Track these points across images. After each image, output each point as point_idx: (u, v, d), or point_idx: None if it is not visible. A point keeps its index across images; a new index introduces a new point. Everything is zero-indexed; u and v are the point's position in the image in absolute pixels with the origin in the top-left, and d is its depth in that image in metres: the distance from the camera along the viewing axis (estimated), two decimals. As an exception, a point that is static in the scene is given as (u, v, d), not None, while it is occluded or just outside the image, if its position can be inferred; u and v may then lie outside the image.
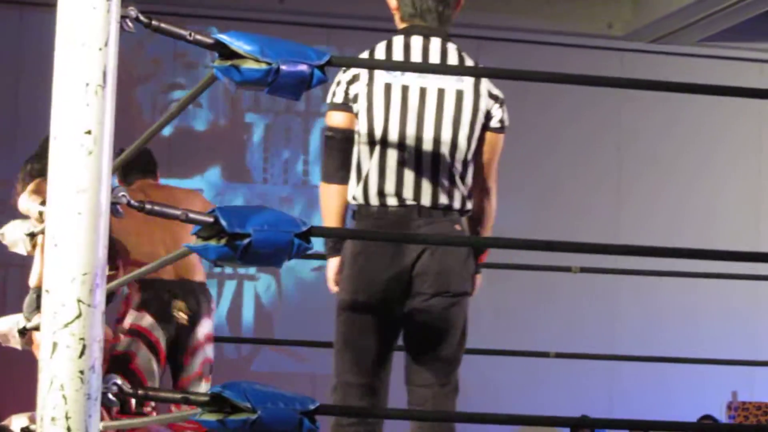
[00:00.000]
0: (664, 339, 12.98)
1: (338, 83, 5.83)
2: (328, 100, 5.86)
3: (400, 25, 5.97)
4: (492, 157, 5.96)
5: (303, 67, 4.37)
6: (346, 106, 5.80)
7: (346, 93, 5.80)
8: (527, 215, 13.58)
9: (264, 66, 4.30)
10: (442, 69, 5.79)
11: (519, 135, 13.95)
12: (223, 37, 4.32)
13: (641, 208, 14.12)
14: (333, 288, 5.93)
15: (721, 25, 14.00)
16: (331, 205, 5.88)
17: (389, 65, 5.85)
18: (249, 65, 4.30)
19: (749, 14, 13.74)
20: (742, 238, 13.53)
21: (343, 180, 5.82)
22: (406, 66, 5.72)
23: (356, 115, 5.78)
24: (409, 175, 5.73)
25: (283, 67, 4.33)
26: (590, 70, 12.28)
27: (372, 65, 5.77)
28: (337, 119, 5.82)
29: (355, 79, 5.79)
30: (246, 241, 4.25)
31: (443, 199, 5.75)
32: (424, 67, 5.77)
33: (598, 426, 10.63)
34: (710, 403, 13.52)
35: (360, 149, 5.79)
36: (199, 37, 4.31)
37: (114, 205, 3.73)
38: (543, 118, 14.04)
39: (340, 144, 5.81)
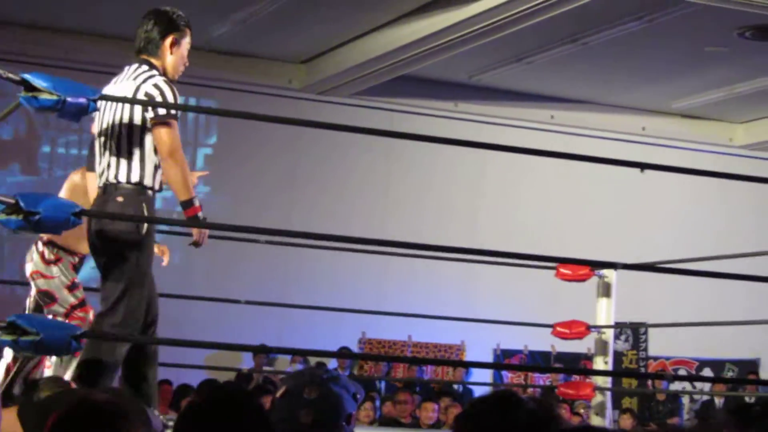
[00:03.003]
0: (311, 293, 13.07)
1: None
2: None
3: None
4: None
5: (83, 100, 4.42)
6: None
7: None
8: (227, 206, 13.64)
9: (55, 97, 4.33)
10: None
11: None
12: (27, 76, 4.36)
13: (282, 213, 14.26)
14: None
15: (367, 84, 14.27)
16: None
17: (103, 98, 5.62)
18: (45, 96, 4.33)
19: (384, 79, 14.05)
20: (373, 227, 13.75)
21: None
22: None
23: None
24: None
25: (69, 99, 4.37)
26: (276, 114, 12.32)
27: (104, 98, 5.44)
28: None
29: None
30: (37, 217, 4.31)
31: None
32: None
33: (273, 352, 10.59)
34: (347, 339, 13.75)
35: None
36: (10, 75, 4.34)
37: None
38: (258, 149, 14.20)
39: None
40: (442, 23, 12.15)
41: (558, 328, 7.55)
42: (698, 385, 15.82)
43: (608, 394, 7.41)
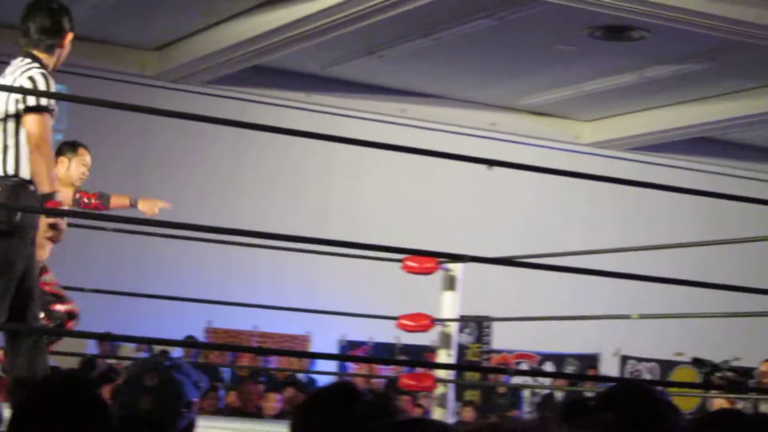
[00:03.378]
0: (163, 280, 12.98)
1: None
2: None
3: None
4: None
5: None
6: None
7: None
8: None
9: None
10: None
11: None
12: None
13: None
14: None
15: (220, 73, 14.23)
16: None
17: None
18: None
19: (237, 68, 14.04)
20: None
21: None
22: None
23: None
24: None
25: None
26: (129, 100, 12.21)
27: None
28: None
29: None
30: None
31: None
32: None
33: (117, 340, 10.40)
34: (193, 328, 13.66)
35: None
36: None
37: None
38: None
39: None
40: (296, 14, 12.20)
41: (402, 321, 7.57)
42: (540, 378, 16.14)
43: (451, 386, 7.52)
